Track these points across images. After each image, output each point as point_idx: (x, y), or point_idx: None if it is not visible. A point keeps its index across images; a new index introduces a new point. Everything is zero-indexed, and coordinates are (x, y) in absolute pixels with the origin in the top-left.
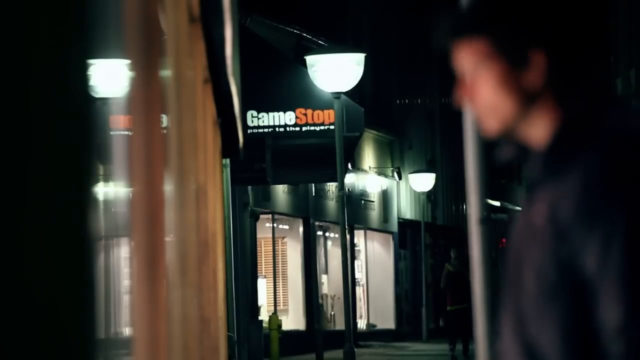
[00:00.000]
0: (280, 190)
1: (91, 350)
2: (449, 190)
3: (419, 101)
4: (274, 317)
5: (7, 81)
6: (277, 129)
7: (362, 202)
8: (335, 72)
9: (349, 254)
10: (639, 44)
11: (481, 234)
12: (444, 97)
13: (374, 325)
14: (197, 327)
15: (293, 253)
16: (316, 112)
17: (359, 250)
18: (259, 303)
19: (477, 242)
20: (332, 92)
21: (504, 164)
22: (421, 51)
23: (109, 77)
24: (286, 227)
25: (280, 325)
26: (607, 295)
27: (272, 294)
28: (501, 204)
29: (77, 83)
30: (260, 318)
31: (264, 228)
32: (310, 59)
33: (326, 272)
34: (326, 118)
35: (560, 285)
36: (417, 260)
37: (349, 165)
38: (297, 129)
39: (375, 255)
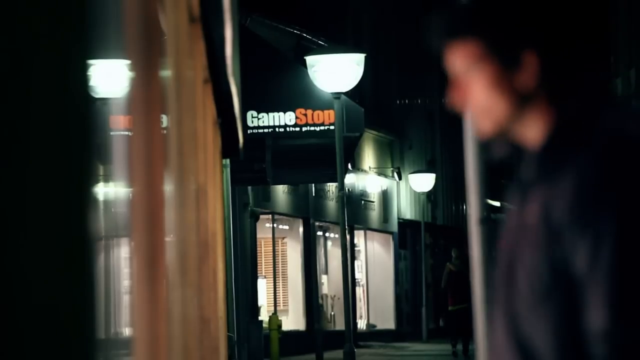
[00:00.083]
0: (280, 191)
1: (91, 350)
2: (449, 190)
3: (419, 101)
4: (274, 317)
5: (7, 81)
6: (277, 129)
7: (362, 202)
8: (335, 72)
9: (349, 254)
10: (639, 44)
11: (481, 234)
12: (443, 97)
13: (374, 326)
14: (197, 327)
15: (293, 253)
16: (316, 112)
17: (359, 251)
18: (259, 303)
19: (477, 242)
20: (332, 93)
21: (498, 162)
22: (421, 51)
23: (109, 77)
24: (286, 227)
25: (280, 326)
26: (594, 297)
27: (272, 294)
28: (501, 204)
29: (77, 83)
30: (260, 318)
31: (264, 228)
32: (310, 59)
33: (326, 272)
34: (326, 118)
35: (553, 286)
36: (417, 261)
37: (349, 166)
38: (297, 129)
39: (375, 256)
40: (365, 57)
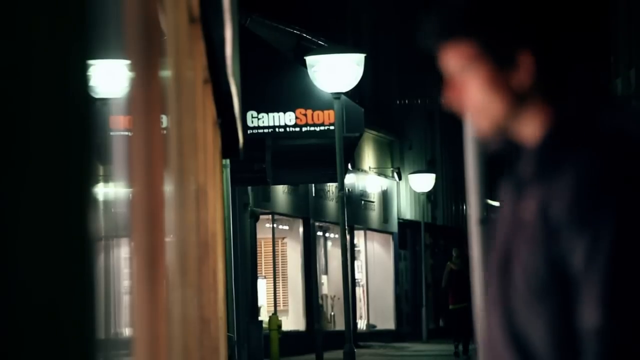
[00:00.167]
0: (280, 191)
1: (91, 350)
2: (449, 191)
3: (419, 101)
4: (274, 317)
5: (7, 81)
6: (277, 129)
7: (362, 202)
8: (335, 72)
9: (349, 255)
10: (638, 44)
11: (481, 234)
12: (443, 97)
13: (374, 326)
14: (197, 327)
15: (293, 253)
16: (316, 112)
17: (359, 251)
18: (259, 303)
19: (477, 242)
20: (332, 93)
21: (498, 161)
22: (421, 51)
23: (109, 77)
24: (286, 227)
25: (280, 326)
26: (588, 295)
27: (272, 294)
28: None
29: (77, 83)
30: (260, 318)
31: (264, 228)
32: (310, 59)
33: (326, 273)
34: (326, 118)
35: (550, 283)
36: (417, 261)
37: (349, 166)
38: (297, 129)
39: (375, 256)
40: (365, 57)
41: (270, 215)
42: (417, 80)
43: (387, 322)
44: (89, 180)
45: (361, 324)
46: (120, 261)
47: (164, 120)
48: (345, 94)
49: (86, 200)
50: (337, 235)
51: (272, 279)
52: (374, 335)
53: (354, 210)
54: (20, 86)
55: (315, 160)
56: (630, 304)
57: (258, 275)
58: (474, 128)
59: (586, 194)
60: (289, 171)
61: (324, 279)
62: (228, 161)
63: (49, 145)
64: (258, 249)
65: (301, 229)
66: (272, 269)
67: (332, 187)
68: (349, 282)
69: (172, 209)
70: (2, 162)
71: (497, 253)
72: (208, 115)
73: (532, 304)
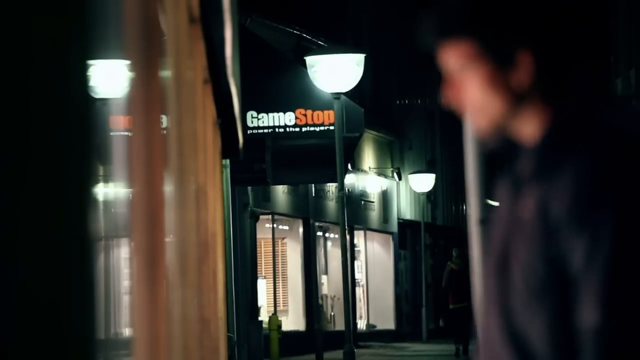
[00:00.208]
0: (280, 191)
1: (91, 350)
2: (448, 191)
3: (419, 101)
4: (273, 317)
5: (7, 81)
6: (277, 129)
7: (362, 202)
8: (335, 72)
9: (348, 255)
10: (638, 44)
11: (481, 234)
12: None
13: (374, 326)
14: (197, 327)
15: (293, 254)
16: (316, 112)
17: (358, 251)
18: (259, 304)
19: (478, 242)
20: (332, 93)
21: (497, 159)
22: (421, 51)
23: (109, 78)
24: (286, 227)
25: (280, 326)
26: (587, 295)
27: (272, 294)
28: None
29: (77, 83)
30: (260, 319)
31: (264, 228)
32: (310, 60)
33: (326, 273)
34: (326, 118)
35: (548, 283)
36: (417, 261)
37: (349, 166)
38: (297, 129)
39: (375, 256)
40: (365, 57)
41: (270, 216)
42: (417, 80)
43: (387, 322)
44: (89, 180)
45: (361, 324)
46: (120, 261)
47: (164, 120)
48: (345, 94)
49: (86, 200)
50: (337, 236)
51: (272, 279)
52: (374, 335)
53: (354, 210)
54: (20, 86)
55: (315, 160)
56: (629, 304)
57: (258, 275)
58: (473, 127)
59: (586, 194)
60: (289, 171)
61: (323, 279)
62: (228, 161)
63: (49, 145)
64: (258, 249)
65: (301, 229)
66: (272, 269)
67: (332, 187)
68: (348, 282)
69: (172, 209)
70: (2, 162)
71: (495, 252)
72: (208, 116)
73: (530, 304)
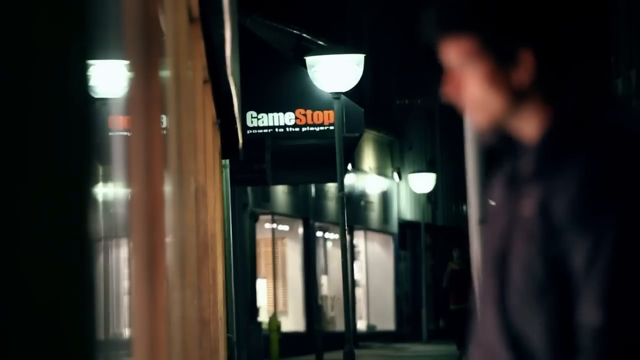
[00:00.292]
0: (280, 191)
1: (91, 351)
2: (449, 191)
3: (419, 101)
4: (273, 318)
5: (7, 81)
6: (276, 129)
7: (362, 202)
8: (335, 72)
9: (348, 255)
10: (639, 44)
11: (482, 234)
12: (444, 100)
13: (374, 327)
14: (196, 328)
15: (293, 254)
16: (316, 112)
17: (359, 251)
18: (259, 304)
19: (478, 242)
20: (331, 93)
21: (497, 158)
22: (421, 51)
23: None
24: (286, 228)
25: (279, 327)
26: (589, 295)
27: (272, 295)
28: None
29: (77, 83)
30: (259, 319)
31: (264, 229)
32: (310, 60)
33: (326, 273)
34: (326, 119)
35: (548, 282)
36: (417, 261)
37: (349, 166)
38: (297, 129)
39: (375, 256)
40: (365, 57)
41: (270, 216)
42: (417, 80)
43: (387, 322)
44: (89, 180)
45: (361, 325)
46: (120, 262)
47: (164, 120)
48: (345, 94)
49: (86, 200)
50: (337, 236)
51: (271, 280)
52: (374, 336)
53: (354, 210)
54: (20, 86)
55: (315, 160)
56: (631, 304)
57: (257, 275)
58: (472, 123)
59: (589, 195)
60: (289, 171)
61: (323, 279)
62: (227, 161)
63: (49, 145)
64: (258, 249)
65: (301, 230)
66: (271, 269)
67: (331, 187)
68: (348, 282)
69: (171, 209)
70: (2, 162)
71: (493, 250)
72: (208, 116)
73: (529, 303)
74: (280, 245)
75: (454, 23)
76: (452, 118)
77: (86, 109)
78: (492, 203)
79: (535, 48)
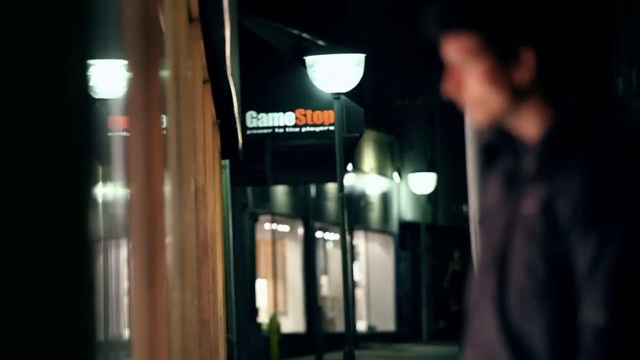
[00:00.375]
0: (280, 191)
1: (90, 351)
2: (449, 191)
3: (419, 101)
4: (273, 318)
5: (7, 81)
6: (276, 129)
7: (362, 203)
8: (335, 72)
9: (349, 256)
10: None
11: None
12: (444, 97)
13: (374, 327)
14: (196, 329)
15: (293, 254)
16: (316, 112)
17: (359, 252)
18: (259, 305)
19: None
20: (332, 93)
21: (494, 153)
22: (421, 51)
23: (108, 78)
24: (286, 228)
25: (279, 327)
26: (593, 296)
27: (272, 295)
28: None
29: (77, 83)
30: (259, 320)
31: (264, 229)
32: (309, 60)
33: (326, 274)
34: (326, 119)
35: (549, 282)
36: (418, 262)
37: (349, 166)
38: (297, 129)
39: (375, 257)
40: (366, 57)
41: (269, 216)
42: (417, 80)
43: (387, 323)
44: (89, 180)
45: (361, 325)
46: (120, 262)
47: (164, 120)
48: (345, 94)
49: (86, 200)
50: (337, 236)
51: (271, 280)
52: (374, 336)
53: (354, 210)
54: (20, 86)
55: (315, 160)
56: (636, 304)
57: (257, 276)
58: (472, 121)
59: (593, 195)
60: (289, 172)
61: (323, 280)
62: (227, 162)
63: (48, 146)
64: (257, 249)
65: (301, 230)
66: (271, 270)
67: (332, 187)
68: (348, 283)
69: (171, 209)
70: (2, 162)
71: (492, 250)
72: (207, 116)
73: (530, 302)
74: (280, 245)
75: (455, 20)
76: (452, 118)
77: (86, 109)
78: (487, 201)
79: (536, 47)
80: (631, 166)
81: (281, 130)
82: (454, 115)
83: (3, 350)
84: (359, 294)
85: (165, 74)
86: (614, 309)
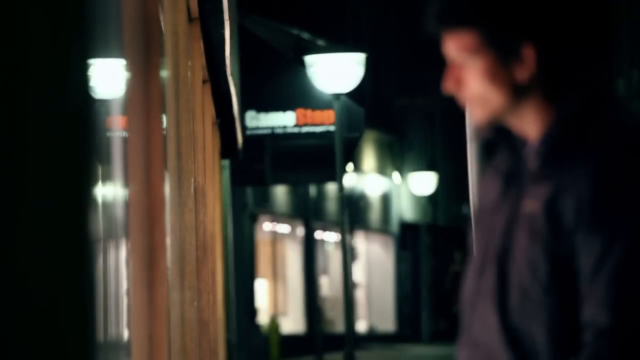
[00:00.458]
0: (280, 191)
1: (90, 352)
2: (449, 191)
3: (419, 101)
4: (273, 319)
5: (6, 81)
6: (276, 129)
7: (362, 203)
8: (335, 72)
9: (349, 256)
10: None
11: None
12: (444, 97)
13: (374, 328)
14: (195, 329)
15: (293, 255)
16: (316, 112)
17: (359, 252)
18: (258, 305)
19: None
20: (332, 93)
21: (493, 152)
22: (422, 51)
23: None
24: (286, 228)
25: (279, 328)
26: (596, 296)
27: (272, 296)
28: None
29: (77, 83)
30: (259, 320)
31: (264, 229)
32: (309, 59)
33: (326, 274)
34: (326, 119)
35: (552, 281)
36: (418, 262)
37: (349, 167)
38: (297, 129)
39: (375, 257)
40: (366, 57)
41: (269, 216)
42: (417, 80)
43: (387, 324)
44: (89, 180)
45: (361, 326)
46: (120, 263)
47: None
48: (346, 94)
49: (86, 200)
50: (337, 236)
51: (271, 281)
52: (374, 337)
53: (354, 211)
54: (19, 86)
55: (315, 160)
56: (637, 306)
57: (257, 276)
58: (472, 119)
59: (598, 195)
60: (289, 172)
61: (323, 280)
62: (227, 162)
63: (48, 146)
64: (257, 250)
65: (301, 230)
66: (271, 270)
67: (332, 187)
68: (349, 283)
69: (171, 210)
70: (2, 162)
71: (487, 249)
72: (207, 116)
73: (532, 301)
74: (280, 245)
75: (455, 17)
76: (453, 118)
77: (86, 109)
78: (483, 199)
79: (536, 44)
80: (636, 166)
81: (281, 130)
82: (454, 115)
83: (3, 351)
84: (359, 294)
85: (164, 73)
86: (618, 310)
